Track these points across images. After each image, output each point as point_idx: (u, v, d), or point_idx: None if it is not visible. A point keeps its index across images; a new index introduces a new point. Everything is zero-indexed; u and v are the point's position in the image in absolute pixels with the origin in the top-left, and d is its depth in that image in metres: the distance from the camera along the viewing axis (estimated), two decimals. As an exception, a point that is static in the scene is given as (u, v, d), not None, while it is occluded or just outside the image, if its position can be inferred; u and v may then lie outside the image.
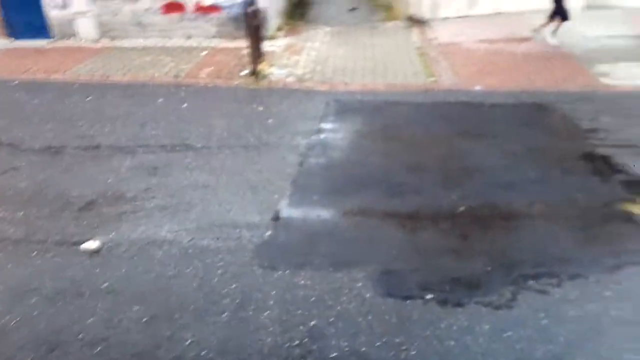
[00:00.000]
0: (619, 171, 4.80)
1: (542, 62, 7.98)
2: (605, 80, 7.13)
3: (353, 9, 13.73)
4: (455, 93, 7.02)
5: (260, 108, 6.74)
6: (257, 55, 7.86)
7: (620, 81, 7.07)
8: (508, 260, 3.65)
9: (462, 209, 4.29)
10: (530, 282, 3.41)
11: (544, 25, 8.78)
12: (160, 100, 7.14)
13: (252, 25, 7.67)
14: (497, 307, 3.21)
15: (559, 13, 8.51)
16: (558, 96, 6.63)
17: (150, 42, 9.79)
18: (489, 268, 3.56)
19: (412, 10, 10.62)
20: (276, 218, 4.28)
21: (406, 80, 7.63)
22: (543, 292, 3.33)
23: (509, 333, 3.00)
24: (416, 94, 7.09)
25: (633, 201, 4.29)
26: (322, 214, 4.34)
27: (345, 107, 6.69)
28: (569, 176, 4.79)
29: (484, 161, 5.10)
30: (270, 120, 6.32)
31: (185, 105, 6.92)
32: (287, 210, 4.39)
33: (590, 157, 5.09)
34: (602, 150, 5.18)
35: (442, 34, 9.66)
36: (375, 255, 3.77)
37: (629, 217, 4.10)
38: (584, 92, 6.75)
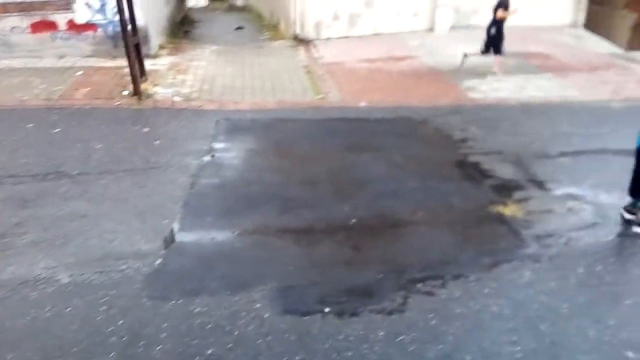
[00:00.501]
0: (489, 176, 5.30)
1: (417, 79, 8.62)
2: (472, 95, 7.89)
3: (239, 28, 13.76)
4: (342, 109, 7.31)
5: (146, 129, 6.43)
6: (139, 74, 7.51)
7: (484, 95, 7.87)
8: (397, 266, 3.84)
9: (353, 220, 4.44)
10: (419, 286, 3.61)
11: (473, 55, 8.86)
12: (31, 125, 6.51)
13: (131, 44, 7.33)
14: (390, 313, 3.35)
15: (494, 47, 8.57)
16: (432, 110, 7.19)
17: (18, 63, 8.93)
18: (381, 276, 3.71)
19: (297, 30, 10.90)
20: (167, 244, 4.08)
21: (295, 97, 7.78)
22: (430, 293, 3.54)
23: (402, 337, 3.14)
24: (306, 110, 7.25)
25: (503, 203, 4.74)
26: (217, 235, 4.22)
27: (235, 125, 6.63)
28: (445, 183, 5.18)
29: (371, 173, 5.34)
30: (157, 142, 6.05)
31: (58, 129, 6.38)
32: (179, 235, 4.21)
33: (462, 165, 5.56)
34: (472, 158, 5.69)
35: (326, 53, 10.03)
36: (272, 274, 3.74)
37: (500, 219, 4.52)
38: (454, 106, 7.40)
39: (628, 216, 4.36)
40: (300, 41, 10.76)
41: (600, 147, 5.99)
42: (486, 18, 11.04)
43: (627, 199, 4.43)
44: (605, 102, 7.63)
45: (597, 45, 10.67)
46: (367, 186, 5.06)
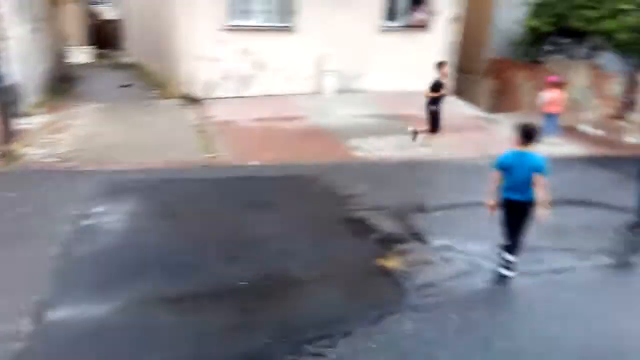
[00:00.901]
0: (374, 231, 5.55)
1: (306, 138, 8.94)
2: (356, 153, 8.34)
3: (126, 85, 13.37)
4: (233, 168, 7.30)
5: (12, 194, 5.86)
6: (8, 134, 6.91)
7: (368, 153, 8.36)
8: (287, 328, 3.80)
9: (243, 283, 4.35)
10: (309, 348, 3.58)
11: (420, 132, 8.76)
12: None
13: (1, 102, 6.77)
14: (279, 379, 3.27)
15: (433, 124, 8.54)
16: (320, 168, 7.46)
17: None
18: (270, 340, 3.63)
19: (187, 89, 10.87)
20: (34, 324, 3.64)
21: (185, 157, 7.64)
22: (320, 355, 3.53)
23: (292, 403, 3.07)
24: (195, 170, 7.13)
25: (386, 257, 4.97)
26: (91, 311, 3.87)
27: (117, 187, 6.29)
28: (333, 239, 5.33)
29: (261, 232, 5.33)
30: (25, 208, 5.52)
31: None
32: (48, 313, 3.80)
33: (350, 221, 5.78)
34: (359, 214, 5.94)
35: (218, 112, 10.08)
36: (154, 350, 3.49)
37: (384, 271, 4.72)
38: (340, 164, 7.75)
39: (508, 257, 4.69)
40: (191, 100, 10.72)
41: (470, 200, 6.57)
42: (368, 83, 11.97)
43: (496, 249, 4.88)
44: (473, 160, 8.47)
45: (465, 109, 11.96)
46: (258, 246, 5.03)
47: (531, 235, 5.13)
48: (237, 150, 8.12)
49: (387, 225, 5.70)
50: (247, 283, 4.34)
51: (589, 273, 4.94)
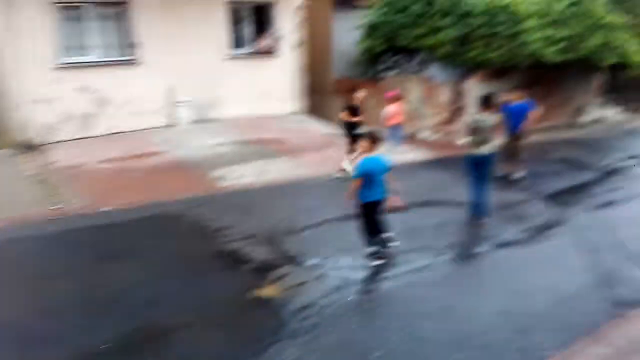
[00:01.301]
0: (246, 261, 5.50)
1: (165, 174, 8.57)
2: (221, 183, 8.22)
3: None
4: (85, 217, 6.69)
5: None
6: None
7: (232, 182, 8.29)
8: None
9: (106, 346, 3.97)
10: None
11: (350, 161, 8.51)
12: None
13: None
14: None
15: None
16: (184, 203, 7.20)
17: None
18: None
19: (22, 136, 9.74)
20: None
21: (25, 211, 6.80)
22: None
23: None
24: (40, 225, 6.38)
25: (261, 286, 4.95)
26: None
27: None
28: (205, 277, 5.16)
29: (126, 283, 4.95)
30: None
31: None
32: None
33: (221, 255, 5.66)
34: (229, 246, 5.85)
35: (61, 157, 9.18)
36: None
37: (261, 302, 4.69)
38: (206, 196, 7.57)
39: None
40: (28, 147, 9.62)
41: (334, 215, 6.88)
42: (223, 111, 11.93)
43: (360, 259, 5.16)
44: (332, 175, 8.89)
45: (320, 128, 12.52)
46: (121, 299, 4.65)
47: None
48: (86, 196, 7.45)
49: (260, 253, 5.69)
50: (110, 345, 3.98)
51: (443, 267, 5.47)
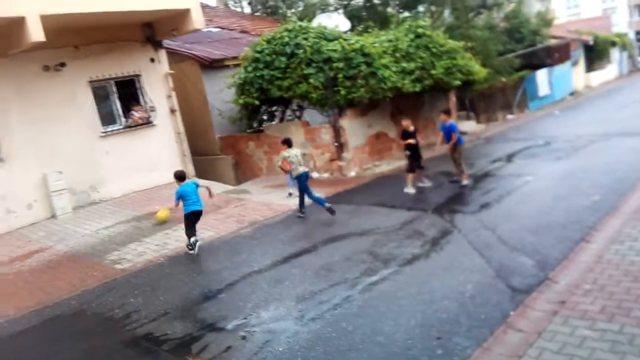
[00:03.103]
0: (164, 341, 5.23)
1: (57, 270, 7.90)
2: (119, 266, 7.77)
3: None
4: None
5: None
6: None
7: (131, 262, 7.87)
8: None
9: None
10: None
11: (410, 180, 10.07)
12: None
13: None
14: None
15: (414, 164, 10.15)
16: (84, 297, 6.69)
17: None
18: None
19: None
20: None
21: None
22: None
23: None
24: None
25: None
26: None
27: None
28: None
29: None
30: None
31: None
32: None
33: (134, 342, 5.30)
34: (142, 330, 5.52)
35: None
36: None
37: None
38: (106, 284, 7.10)
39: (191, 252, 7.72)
40: None
41: (246, 272, 6.84)
42: (107, 191, 11.37)
43: (281, 308, 5.17)
44: (236, 232, 8.85)
45: (215, 188, 12.41)
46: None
47: (306, 283, 5.66)
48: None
49: (177, 328, 5.46)
50: None
51: (361, 296, 5.66)
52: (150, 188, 11.99)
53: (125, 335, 5.49)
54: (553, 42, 25.39)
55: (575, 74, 27.17)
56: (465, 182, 10.02)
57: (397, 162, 13.40)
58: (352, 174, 12.68)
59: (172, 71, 12.93)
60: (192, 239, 7.82)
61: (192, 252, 7.82)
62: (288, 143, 9.66)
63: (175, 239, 8.67)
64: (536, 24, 24.48)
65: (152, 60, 12.43)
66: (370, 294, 5.68)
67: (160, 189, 11.89)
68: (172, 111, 12.88)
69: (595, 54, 30.16)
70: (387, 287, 5.80)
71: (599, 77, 30.52)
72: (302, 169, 9.33)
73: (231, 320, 5.46)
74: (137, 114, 12.25)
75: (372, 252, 6.96)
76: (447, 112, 10.49)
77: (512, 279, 5.52)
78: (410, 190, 10.05)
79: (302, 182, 9.31)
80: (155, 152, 12.41)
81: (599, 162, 10.22)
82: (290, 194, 10.77)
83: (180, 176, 8.16)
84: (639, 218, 6.58)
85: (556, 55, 25.17)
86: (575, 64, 27.32)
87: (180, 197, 7.88)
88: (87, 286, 7.08)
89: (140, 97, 12.36)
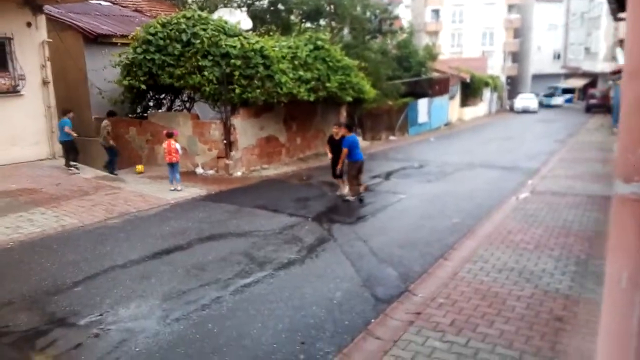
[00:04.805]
0: (5, 334, 4.64)
1: None
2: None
3: None
4: None
5: None
6: None
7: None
8: None
9: None
10: None
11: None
12: None
13: None
14: None
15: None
16: None
17: None
18: None
19: None
20: None
21: None
22: None
23: None
24: None
25: (28, 359, 4.25)
26: None
27: None
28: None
29: None
30: None
31: None
32: None
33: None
34: (-24, 323, 4.85)
35: None
36: None
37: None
38: (-64, 268, 6.14)
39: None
40: None
41: (108, 265, 6.36)
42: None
43: (144, 306, 4.86)
44: (102, 222, 8.21)
45: (84, 173, 11.41)
46: None
47: (175, 281, 5.43)
48: None
49: (21, 320, 4.89)
50: None
51: (231, 298, 5.57)
52: (10, 164, 10.70)
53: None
54: (435, 75, 27.66)
55: (451, 107, 29.90)
56: (349, 197, 10.20)
57: (284, 167, 13.53)
58: (239, 174, 12.51)
59: (50, 40, 11.71)
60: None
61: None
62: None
63: (31, 223, 7.80)
64: (423, 56, 26.47)
65: (29, 24, 11.17)
66: (242, 296, 5.61)
67: (22, 166, 10.67)
68: (45, 83, 11.66)
69: (470, 91, 33.47)
70: (259, 290, 5.77)
71: (471, 112, 33.89)
72: None
73: (85, 316, 5.02)
74: (2, 80, 10.87)
75: (249, 254, 6.89)
76: (343, 125, 10.56)
77: (377, 289, 5.82)
78: (344, 192, 10.15)
79: None
80: (20, 126, 11.12)
81: (463, 189, 11.27)
82: (176, 190, 10.29)
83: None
84: (490, 242, 7.35)
85: (437, 87, 27.49)
86: (452, 97, 30.06)
87: None
88: None
89: (9, 63, 11.00)
